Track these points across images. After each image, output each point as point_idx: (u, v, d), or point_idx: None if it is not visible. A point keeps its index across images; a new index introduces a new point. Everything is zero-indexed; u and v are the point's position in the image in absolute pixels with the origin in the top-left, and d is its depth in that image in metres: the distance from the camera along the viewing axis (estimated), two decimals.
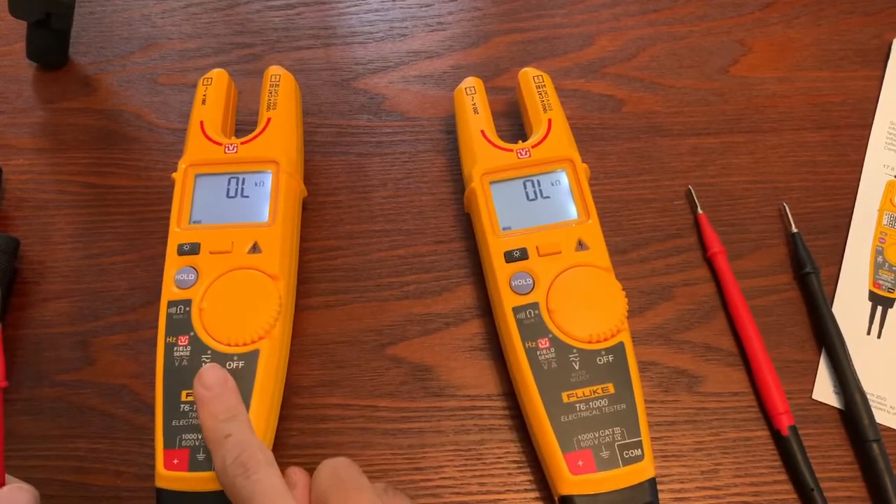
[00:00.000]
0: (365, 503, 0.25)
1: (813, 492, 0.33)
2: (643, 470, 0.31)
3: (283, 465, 0.34)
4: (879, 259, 0.40)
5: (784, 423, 0.35)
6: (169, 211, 0.35)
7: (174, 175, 0.36)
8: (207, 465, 0.30)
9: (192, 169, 0.37)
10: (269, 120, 0.38)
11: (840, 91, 0.45)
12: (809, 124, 0.44)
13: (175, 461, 0.30)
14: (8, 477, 0.27)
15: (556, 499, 0.32)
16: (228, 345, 0.32)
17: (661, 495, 0.33)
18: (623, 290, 0.34)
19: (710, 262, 0.39)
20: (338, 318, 0.38)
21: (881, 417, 0.36)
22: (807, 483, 0.33)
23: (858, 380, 0.36)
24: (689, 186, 0.41)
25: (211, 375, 0.28)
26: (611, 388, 0.32)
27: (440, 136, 0.44)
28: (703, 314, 0.38)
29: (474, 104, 0.40)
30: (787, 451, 0.34)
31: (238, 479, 0.25)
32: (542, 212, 0.36)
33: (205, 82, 0.40)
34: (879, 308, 0.39)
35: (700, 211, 0.40)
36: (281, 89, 0.39)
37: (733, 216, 0.41)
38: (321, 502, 0.26)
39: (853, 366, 0.36)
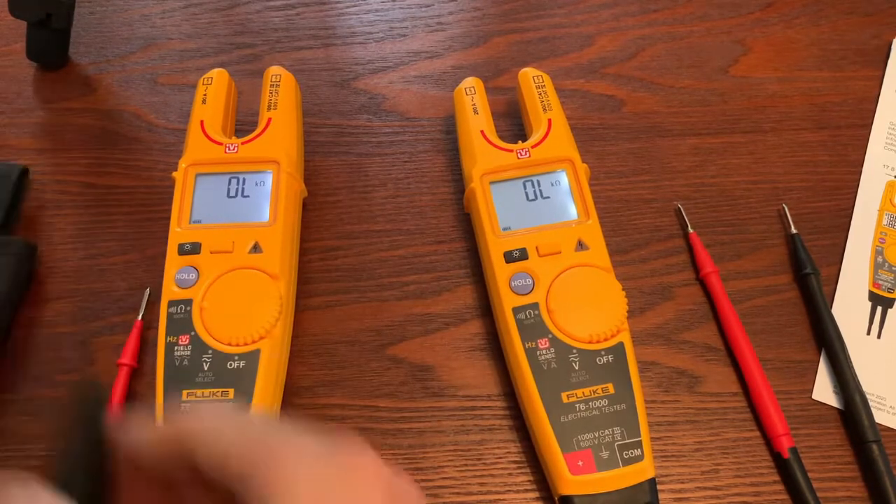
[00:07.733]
0: None
1: None
2: (643, 470, 0.31)
3: None
4: (879, 259, 0.40)
5: (784, 444, 0.34)
6: (169, 211, 0.35)
7: (175, 174, 0.36)
8: None
9: (193, 168, 0.37)
10: (269, 120, 0.38)
11: (840, 91, 0.45)
12: (809, 124, 0.44)
13: None
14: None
15: (556, 499, 0.32)
16: (229, 344, 0.32)
17: (661, 495, 0.33)
18: (623, 290, 0.34)
19: (703, 283, 0.39)
20: (338, 318, 0.38)
21: (881, 417, 0.36)
22: None
23: (858, 380, 0.36)
24: (678, 205, 0.41)
25: None
26: (610, 389, 0.32)
27: (440, 136, 0.44)
28: (703, 314, 0.38)
29: (474, 104, 0.40)
30: (788, 473, 0.34)
31: None
32: (541, 212, 0.36)
33: (205, 82, 0.40)
34: (879, 308, 0.39)
35: (691, 230, 0.40)
36: (282, 89, 0.39)
37: (733, 216, 0.41)
38: None
39: (853, 366, 0.36)
